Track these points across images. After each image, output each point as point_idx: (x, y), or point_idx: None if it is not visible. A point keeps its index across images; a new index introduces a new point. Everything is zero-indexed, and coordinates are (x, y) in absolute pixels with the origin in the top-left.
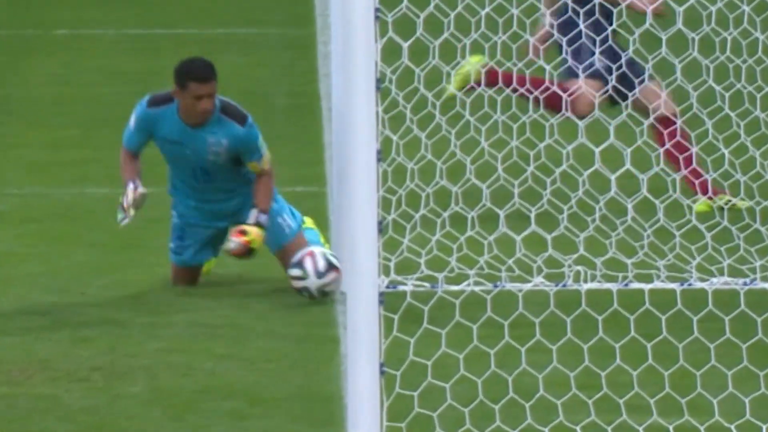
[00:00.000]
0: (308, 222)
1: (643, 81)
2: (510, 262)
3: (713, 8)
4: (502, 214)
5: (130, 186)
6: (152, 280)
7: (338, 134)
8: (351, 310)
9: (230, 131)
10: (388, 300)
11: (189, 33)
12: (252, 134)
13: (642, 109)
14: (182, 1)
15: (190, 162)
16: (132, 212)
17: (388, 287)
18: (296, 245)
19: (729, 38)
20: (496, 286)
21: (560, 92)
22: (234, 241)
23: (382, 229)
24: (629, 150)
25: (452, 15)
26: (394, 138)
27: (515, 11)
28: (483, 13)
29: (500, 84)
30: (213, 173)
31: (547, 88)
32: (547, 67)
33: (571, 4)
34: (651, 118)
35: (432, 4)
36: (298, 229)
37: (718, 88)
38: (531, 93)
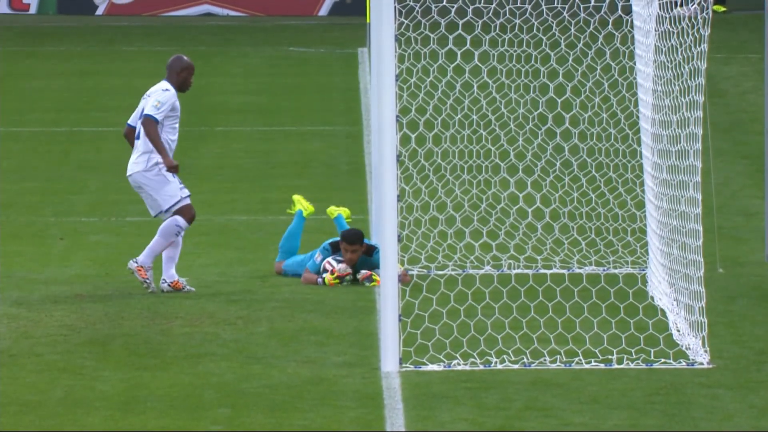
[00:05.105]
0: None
1: None
2: (472, 256)
3: None
4: (475, 223)
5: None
6: (273, 268)
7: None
8: (382, 284)
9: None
10: None
11: None
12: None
13: None
14: None
15: None
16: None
17: None
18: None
19: None
20: (463, 271)
21: None
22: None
23: (400, 239)
24: None
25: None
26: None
27: None
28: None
29: None
30: None
31: None
32: None
33: None
34: None
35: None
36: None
37: None
38: None
